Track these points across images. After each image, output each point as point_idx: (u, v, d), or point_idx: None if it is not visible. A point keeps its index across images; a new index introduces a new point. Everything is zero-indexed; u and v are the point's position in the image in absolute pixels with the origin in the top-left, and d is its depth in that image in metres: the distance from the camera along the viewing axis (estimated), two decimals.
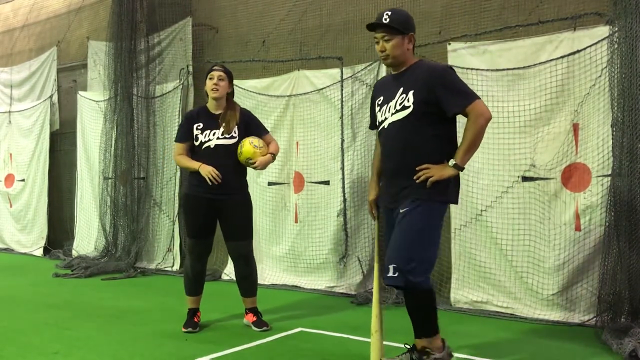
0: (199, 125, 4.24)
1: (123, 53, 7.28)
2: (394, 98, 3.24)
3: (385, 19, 3.18)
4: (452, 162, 3.12)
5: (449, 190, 3.19)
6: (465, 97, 3.14)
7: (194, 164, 4.19)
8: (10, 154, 9.18)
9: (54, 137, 8.77)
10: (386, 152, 3.33)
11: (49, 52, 8.83)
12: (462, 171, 3.18)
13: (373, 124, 3.51)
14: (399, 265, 3.06)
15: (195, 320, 4.35)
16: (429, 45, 5.30)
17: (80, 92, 8.29)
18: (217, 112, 4.28)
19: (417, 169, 3.12)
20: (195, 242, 4.32)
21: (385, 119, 3.28)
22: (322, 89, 5.94)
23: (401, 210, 3.14)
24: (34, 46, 9.29)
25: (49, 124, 8.67)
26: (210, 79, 4.26)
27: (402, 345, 3.39)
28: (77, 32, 8.65)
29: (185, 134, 4.29)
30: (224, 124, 4.22)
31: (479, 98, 3.17)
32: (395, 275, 3.06)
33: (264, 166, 4.28)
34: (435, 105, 3.13)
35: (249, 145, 4.17)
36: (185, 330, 4.25)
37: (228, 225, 4.29)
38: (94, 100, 7.97)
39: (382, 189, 3.44)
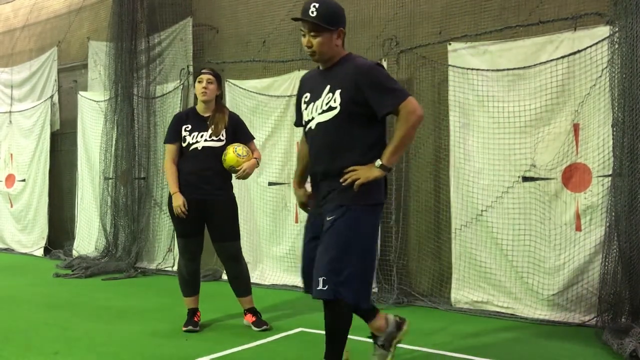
0: (188, 127, 4.27)
1: (123, 53, 7.28)
2: (320, 97, 3.03)
3: (312, 12, 2.91)
4: (378, 162, 2.90)
5: (374, 192, 2.96)
6: (396, 96, 2.91)
7: (172, 187, 4.25)
8: (11, 154, 9.19)
9: (55, 137, 8.77)
10: (313, 154, 3.09)
11: (50, 52, 8.83)
12: (389, 172, 2.97)
13: (299, 121, 3.25)
14: (329, 277, 2.80)
15: (196, 319, 4.36)
16: (429, 45, 5.31)
17: (80, 93, 8.29)
18: (206, 115, 4.31)
19: (344, 171, 2.91)
20: (186, 241, 4.32)
21: (312, 118, 3.06)
22: None
23: (328, 218, 2.92)
24: (34, 46, 9.30)
25: (50, 124, 8.67)
26: (199, 82, 4.29)
27: (401, 346, 3.38)
28: (77, 32, 8.66)
29: (173, 135, 4.31)
30: (212, 127, 4.25)
31: (410, 95, 2.96)
32: (325, 288, 2.80)
33: (247, 175, 4.21)
34: (365, 106, 2.92)
35: (233, 154, 4.14)
36: (186, 329, 4.25)
37: (214, 227, 4.30)
38: (95, 101, 7.98)
39: (314, 190, 3.18)
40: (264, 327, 4.29)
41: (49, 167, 8.64)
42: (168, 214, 4.58)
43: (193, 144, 4.23)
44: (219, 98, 4.41)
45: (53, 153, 8.71)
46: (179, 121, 4.35)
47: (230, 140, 4.27)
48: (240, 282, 4.42)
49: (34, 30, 9.35)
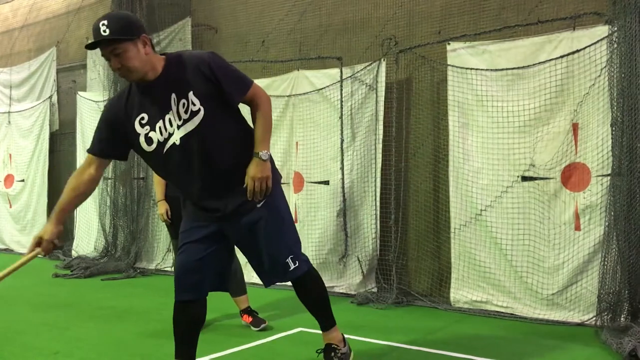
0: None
1: None
2: (168, 109, 2.70)
3: (105, 32, 2.58)
4: (261, 154, 2.80)
5: (276, 170, 3.00)
6: (245, 82, 2.83)
7: (158, 195, 4.46)
8: (10, 155, 9.18)
9: (54, 137, 8.76)
10: (192, 170, 2.77)
11: (49, 52, 8.83)
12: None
13: (100, 151, 2.82)
14: (295, 255, 2.98)
15: None
16: (428, 45, 5.31)
17: (79, 93, 8.29)
18: None
19: (244, 187, 2.78)
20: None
21: (170, 135, 2.72)
22: (321, 89, 5.94)
23: (247, 220, 2.85)
24: (33, 46, 9.29)
25: (49, 124, 8.67)
26: None
27: (401, 346, 3.39)
28: (76, 32, 8.65)
29: None
30: None
31: (253, 80, 2.89)
32: (297, 264, 2.98)
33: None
34: (220, 98, 2.76)
35: None
36: None
37: None
38: (94, 101, 7.97)
39: (192, 208, 2.93)
40: (263, 325, 4.29)
41: (48, 168, 8.64)
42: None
43: None
44: None
45: (52, 153, 8.71)
46: None
47: None
48: (234, 281, 4.32)
49: (33, 31, 9.34)
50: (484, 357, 3.64)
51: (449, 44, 5.14)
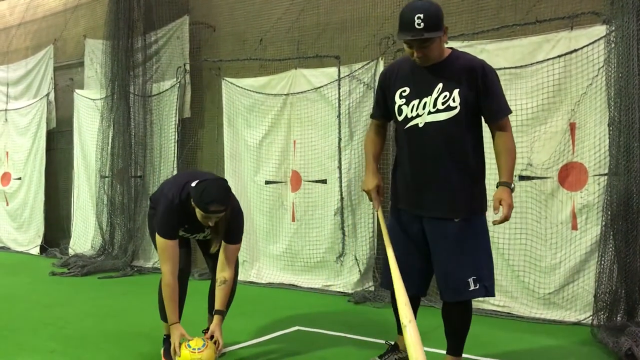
0: (185, 227, 3.48)
1: (120, 51, 7.27)
2: (430, 93, 2.91)
3: (419, 25, 2.78)
4: (511, 185, 2.99)
5: (486, 201, 3.14)
6: (505, 107, 2.95)
7: (170, 317, 3.36)
8: (7, 152, 9.16)
9: (51, 135, 8.74)
10: (419, 155, 2.98)
11: (46, 50, 8.80)
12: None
13: (381, 113, 3.18)
14: (478, 277, 2.98)
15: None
16: None
17: (76, 91, 8.27)
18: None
19: (494, 209, 2.95)
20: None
21: (418, 115, 2.94)
22: (319, 87, 5.94)
23: (453, 222, 2.99)
24: (30, 44, 9.26)
25: (46, 122, 8.64)
26: (205, 218, 3.26)
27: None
28: (73, 30, 8.63)
29: (174, 234, 3.37)
30: (213, 236, 3.49)
31: (511, 111, 3.03)
32: (477, 287, 2.98)
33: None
34: (477, 107, 2.92)
35: (186, 351, 3.21)
36: None
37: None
38: (91, 99, 7.95)
39: (404, 190, 3.12)
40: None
41: (45, 166, 8.61)
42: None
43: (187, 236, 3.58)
44: None
45: (49, 151, 8.68)
46: (177, 220, 3.39)
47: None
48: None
49: (30, 28, 9.32)
50: (480, 356, 3.65)
51: (446, 43, 5.13)
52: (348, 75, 5.73)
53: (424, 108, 2.93)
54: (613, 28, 4.19)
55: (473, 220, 3.02)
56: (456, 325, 3.11)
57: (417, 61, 2.92)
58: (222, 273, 3.45)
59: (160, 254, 3.36)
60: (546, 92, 4.66)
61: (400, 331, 3.16)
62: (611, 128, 4.19)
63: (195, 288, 4.42)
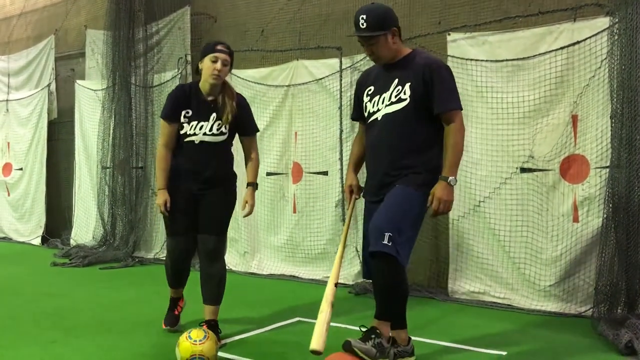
0: (188, 112, 3.71)
1: (121, 42, 7.25)
2: (388, 89, 3.22)
3: (363, 24, 3.15)
4: (449, 179, 3.10)
5: (428, 182, 3.18)
6: (454, 101, 3.16)
7: (159, 182, 3.75)
8: (8, 143, 9.16)
9: (52, 126, 8.73)
10: (377, 144, 3.29)
11: (47, 40, 8.78)
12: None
13: (358, 115, 3.50)
14: (393, 235, 3.02)
15: (176, 312, 4.06)
16: (429, 35, 5.28)
17: (78, 81, 8.25)
18: (210, 98, 3.73)
19: (429, 202, 3.11)
20: (175, 241, 3.81)
21: (378, 110, 3.25)
22: (320, 79, 5.92)
23: (387, 194, 3.18)
24: (31, 34, 9.24)
25: (47, 112, 8.63)
26: (213, 61, 3.63)
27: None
28: (74, 20, 8.60)
29: (173, 115, 3.72)
30: (222, 115, 3.71)
31: (462, 109, 3.21)
32: (390, 244, 3.01)
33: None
34: (428, 101, 3.14)
35: (186, 343, 3.18)
36: (165, 327, 3.98)
37: (201, 215, 3.76)
38: (92, 89, 7.94)
39: (368, 181, 3.41)
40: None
41: (46, 156, 8.62)
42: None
43: (190, 135, 3.70)
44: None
45: (50, 142, 8.68)
46: (179, 101, 3.74)
47: (232, 133, 3.78)
48: (210, 285, 3.78)
49: (31, 18, 9.29)
50: (481, 347, 3.65)
51: (449, 34, 5.12)
52: (350, 66, 5.72)
53: (382, 102, 3.24)
54: (617, 20, 4.16)
55: (411, 190, 3.15)
56: (375, 281, 3.24)
57: (372, 59, 3.31)
58: (250, 155, 3.93)
59: (160, 134, 3.84)
60: (548, 84, 4.65)
61: (382, 317, 3.27)
62: (613, 120, 4.17)
63: (194, 279, 4.44)
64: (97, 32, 7.89)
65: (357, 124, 5.67)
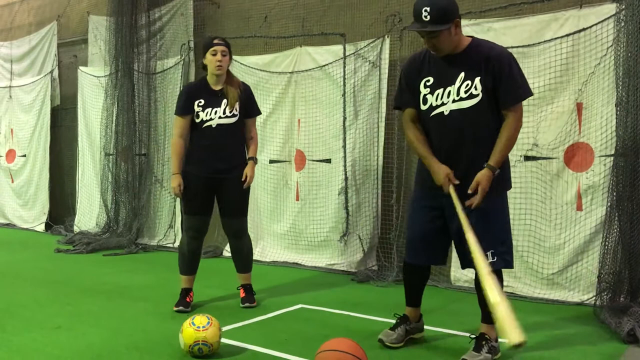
0: (200, 102, 4.16)
1: (124, 28, 7.21)
2: (453, 83, 3.10)
3: (426, 17, 2.96)
4: (496, 171, 3.07)
5: (508, 180, 3.25)
6: (520, 93, 3.08)
7: (174, 167, 4.19)
8: (12, 130, 9.17)
9: (55, 112, 8.74)
10: (445, 141, 3.17)
11: (49, 26, 8.75)
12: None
13: (407, 103, 3.30)
14: (502, 249, 3.10)
15: (188, 300, 4.28)
16: None
17: (80, 68, 8.24)
18: (218, 88, 4.19)
19: (471, 189, 3.07)
20: (193, 219, 4.27)
21: (443, 103, 3.13)
22: (324, 65, 5.89)
23: (479, 210, 3.09)
24: (33, 20, 9.21)
25: (50, 99, 8.64)
26: (214, 54, 4.13)
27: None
28: (77, 6, 8.56)
29: (187, 108, 4.18)
30: (227, 101, 4.18)
31: (532, 94, 3.16)
32: (495, 260, 3.07)
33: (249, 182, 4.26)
34: (497, 93, 3.06)
35: (190, 329, 3.22)
36: (177, 309, 4.18)
37: (224, 202, 4.27)
38: (95, 76, 7.93)
39: (429, 176, 3.25)
40: (246, 304, 4.29)
41: (50, 143, 8.63)
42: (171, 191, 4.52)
43: (207, 120, 4.14)
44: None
45: (53, 128, 8.69)
46: (191, 94, 4.21)
47: (243, 115, 4.22)
48: (241, 258, 4.41)
49: (33, 4, 9.25)
50: None
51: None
52: (353, 53, 5.69)
53: (448, 96, 3.12)
54: (623, 6, 4.12)
55: (495, 197, 3.14)
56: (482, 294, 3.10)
57: (431, 50, 3.13)
58: (249, 134, 4.34)
59: (174, 127, 4.26)
60: (553, 72, 4.62)
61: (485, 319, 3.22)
62: (619, 108, 4.15)
63: (201, 266, 4.46)
64: (99, 19, 7.86)
65: (360, 112, 5.70)
